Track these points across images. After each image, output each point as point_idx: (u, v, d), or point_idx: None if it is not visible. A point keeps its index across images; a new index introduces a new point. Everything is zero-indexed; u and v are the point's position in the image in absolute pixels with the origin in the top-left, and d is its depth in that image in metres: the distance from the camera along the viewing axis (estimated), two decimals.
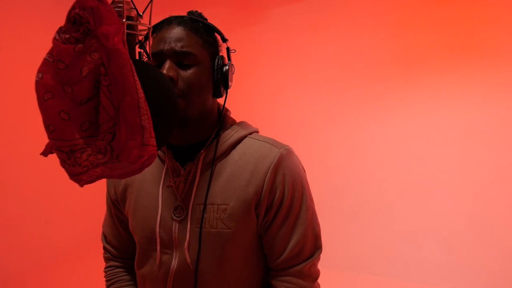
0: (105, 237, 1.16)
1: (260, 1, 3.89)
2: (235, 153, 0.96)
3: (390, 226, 3.44)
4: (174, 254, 0.96)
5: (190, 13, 0.98)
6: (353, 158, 3.63)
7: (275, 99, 3.96)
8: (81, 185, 0.68)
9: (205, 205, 0.92)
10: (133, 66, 0.62)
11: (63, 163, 0.66)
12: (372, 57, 3.54)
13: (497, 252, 3.15)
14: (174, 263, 0.96)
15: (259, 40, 3.96)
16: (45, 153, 0.69)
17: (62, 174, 0.73)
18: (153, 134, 0.63)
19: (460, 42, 3.22)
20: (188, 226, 0.94)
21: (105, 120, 0.62)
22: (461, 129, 3.24)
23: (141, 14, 0.70)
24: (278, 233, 0.96)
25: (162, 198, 0.97)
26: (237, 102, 3.83)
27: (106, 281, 1.14)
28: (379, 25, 3.49)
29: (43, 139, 0.67)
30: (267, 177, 0.92)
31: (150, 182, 1.00)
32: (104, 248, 1.16)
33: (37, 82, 0.62)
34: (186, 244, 0.94)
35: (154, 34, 0.93)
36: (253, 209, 0.93)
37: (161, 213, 0.96)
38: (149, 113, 0.62)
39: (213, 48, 0.97)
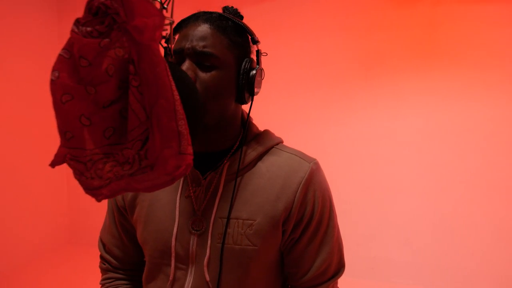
0: (103, 246, 1.05)
1: (222, 2, 3.82)
2: (262, 165, 0.89)
3: (354, 226, 3.47)
4: (190, 271, 0.88)
5: (225, 9, 0.90)
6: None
7: None
8: (99, 200, 0.60)
9: (228, 219, 0.85)
10: (167, 65, 0.55)
11: (80, 175, 0.57)
12: (334, 59, 3.56)
13: (459, 250, 3.27)
14: (189, 280, 0.88)
15: None
16: (54, 163, 0.60)
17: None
18: (190, 141, 0.55)
19: (420, 44, 3.32)
20: (209, 241, 0.86)
21: (135, 126, 0.54)
22: (422, 129, 3.33)
23: (165, 6, 0.63)
24: (305, 250, 0.90)
25: (179, 208, 0.88)
26: None
27: None
28: (341, 27, 3.52)
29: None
30: (298, 192, 0.86)
31: (165, 191, 0.91)
32: (102, 257, 1.06)
33: (53, 82, 0.53)
34: (205, 260, 0.86)
35: (180, 30, 0.85)
36: (280, 225, 0.87)
37: (177, 225, 0.88)
38: (185, 118, 0.55)
39: (241, 49, 0.88)
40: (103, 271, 1.07)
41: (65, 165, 0.59)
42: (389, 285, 3.29)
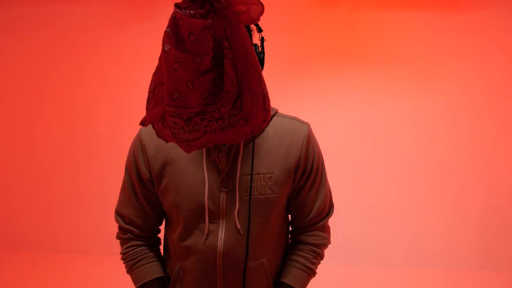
0: (123, 218, 1.14)
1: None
2: (269, 129, 1.06)
3: None
4: (221, 223, 1.02)
5: None
6: None
7: None
8: (190, 151, 0.73)
9: (252, 175, 1.00)
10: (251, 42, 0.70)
11: (179, 129, 0.70)
12: None
13: (375, 230, 3.73)
14: (222, 230, 1.02)
15: (151, 37, 3.92)
16: (149, 122, 0.72)
17: None
18: (269, 101, 0.71)
19: (340, 44, 3.70)
20: (237, 195, 1.01)
21: (230, 89, 0.69)
22: (343, 121, 3.71)
23: None
24: (308, 195, 1.10)
25: (207, 171, 1.02)
26: (132, 98, 3.77)
27: (129, 260, 1.14)
28: (268, 27, 3.74)
29: None
30: (302, 148, 1.06)
31: (192, 159, 1.03)
32: (122, 229, 1.15)
33: (167, 52, 0.66)
34: (236, 211, 1.01)
35: None
36: (292, 175, 1.05)
37: (208, 186, 1.01)
38: (265, 84, 0.71)
39: (251, 36, 1.05)
40: (124, 241, 1.16)
41: None
42: None
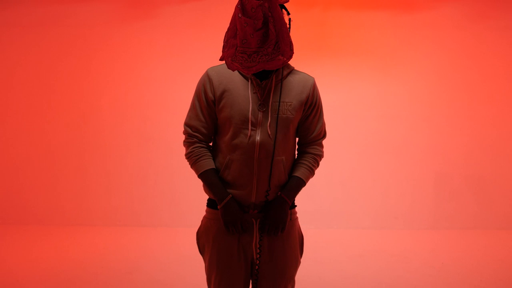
0: (190, 128, 1.65)
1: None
2: (290, 77, 1.62)
3: None
4: (258, 131, 1.57)
5: None
6: None
7: (163, 91, 4.47)
8: (249, 74, 1.30)
9: (279, 102, 1.58)
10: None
11: (245, 60, 1.27)
12: None
13: (344, 198, 4.36)
14: (258, 135, 1.57)
15: (151, 33, 4.44)
16: (225, 58, 1.29)
17: None
18: (293, 46, 1.30)
19: (314, 40, 4.34)
20: (269, 113, 1.56)
21: (272, 38, 1.26)
22: None
23: None
24: (312, 121, 1.67)
25: (251, 98, 1.57)
26: (133, 87, 4.25)
27: (193, 156, 1.64)
28: None
29: None
30: (310, 90, 1.63)
31: (241, 89, 1.57)
32: (190, 135, 1.65)
33: (240, 18, 1.23)
34: (268, 124, 1.56)
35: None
36: (303, 106, 1.62)
37: (251, 106, 1.57)
38: (290, 36, 1.29)
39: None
40: (190, 143, 1.66)
41: None
42: None
